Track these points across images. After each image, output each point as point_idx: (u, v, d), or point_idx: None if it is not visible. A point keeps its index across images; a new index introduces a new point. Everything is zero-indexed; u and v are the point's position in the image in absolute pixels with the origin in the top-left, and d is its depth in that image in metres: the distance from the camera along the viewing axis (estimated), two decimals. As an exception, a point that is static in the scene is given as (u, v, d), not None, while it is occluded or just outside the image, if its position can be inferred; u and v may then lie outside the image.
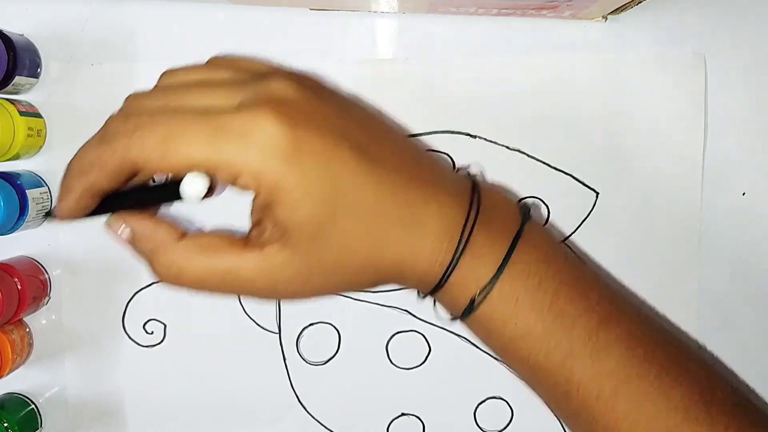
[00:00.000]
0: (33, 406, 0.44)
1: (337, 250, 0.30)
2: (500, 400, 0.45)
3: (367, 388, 0.45)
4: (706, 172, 0.43)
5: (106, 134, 0.30)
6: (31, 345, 0.44)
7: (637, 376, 0.31)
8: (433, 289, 0.32)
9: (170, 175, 0.32)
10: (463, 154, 0.43)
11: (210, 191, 0.31)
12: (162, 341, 0.45)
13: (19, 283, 0.41)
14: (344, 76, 0.43)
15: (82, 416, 0.45)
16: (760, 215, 0.44)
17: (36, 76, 0.42)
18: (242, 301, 0.44)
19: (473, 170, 0.42)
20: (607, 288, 0.34)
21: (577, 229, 0.44)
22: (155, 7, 0.43)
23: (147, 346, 0.45)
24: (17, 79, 0.40)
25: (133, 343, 0.44)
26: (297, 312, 0.44)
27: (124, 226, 0.32)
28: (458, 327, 0.44)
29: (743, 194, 0.44)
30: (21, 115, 0.40)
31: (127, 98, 0.33)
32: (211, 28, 0.43)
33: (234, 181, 0.29)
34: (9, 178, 0.40)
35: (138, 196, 0.33)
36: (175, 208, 0.43)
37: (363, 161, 0.30)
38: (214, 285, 0.31)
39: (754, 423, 0.33)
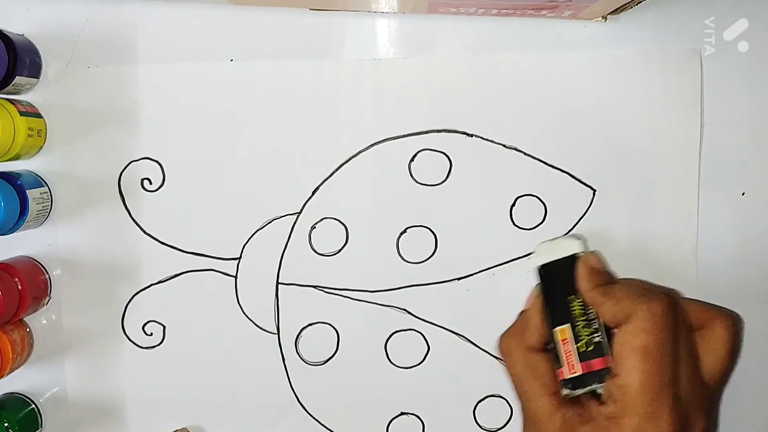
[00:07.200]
0: (33, 406, 0.44)
1: None
2: (499, 398, 0.44)
3: (367, 387, 0.45)
4: (706, 171, 0.43)
5: None
6: (31, 345, 0.44)
7: None
8: None
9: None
10: (460, 153, 0.43)
11: None
12: (161, 342, 0.45)
13: (19, 283, 0.41)
14: (344, 76, 0.43)
15: (82, 416, 0.45)
16: (760, 215, 0.44)
17: (36, 76, 0.42)
18: (241, 302, 0.44)
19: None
20: None
21: (574, 226, 0.43)
22: (155, 7, 0.43)
23: (146, 348, 0.45)
24: (17, 79, 0.40)
25: (132, 345, 0.44)
26: (296, 312, 0.44)
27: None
28: (457, 326, 0.44)
29: (743, 194, 0.44)
30: (21, 115, 0.40)
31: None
32: (211, 29, 0.43)
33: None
34: (9, 178, 0.40)
35: None
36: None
37: None
38: None
39: None
